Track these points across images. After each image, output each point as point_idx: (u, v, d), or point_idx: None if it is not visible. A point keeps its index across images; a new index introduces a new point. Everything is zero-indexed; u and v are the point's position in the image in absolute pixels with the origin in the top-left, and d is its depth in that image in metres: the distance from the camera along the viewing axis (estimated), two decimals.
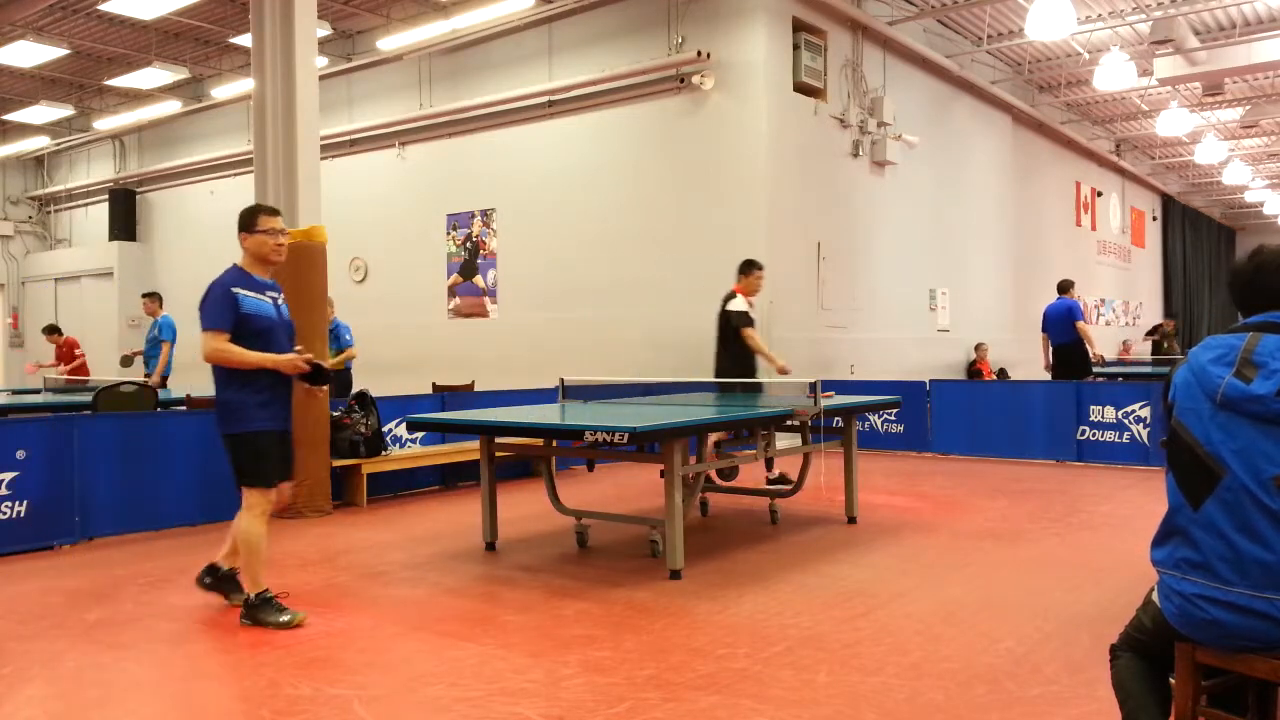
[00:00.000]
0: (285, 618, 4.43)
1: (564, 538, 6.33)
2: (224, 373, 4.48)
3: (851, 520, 6.79)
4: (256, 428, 4.50)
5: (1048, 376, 11.72)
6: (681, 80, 11.65)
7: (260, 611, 4.45)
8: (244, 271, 4.61)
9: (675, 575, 5.20)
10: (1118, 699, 2.52)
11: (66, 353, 13.60)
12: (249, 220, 4.65)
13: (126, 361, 12.22)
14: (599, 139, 12.50)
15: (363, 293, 14.85)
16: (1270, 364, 2.23)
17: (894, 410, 10.66)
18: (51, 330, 13.94)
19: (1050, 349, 11.76)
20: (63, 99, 17.54)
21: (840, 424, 6.69)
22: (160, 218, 18.92)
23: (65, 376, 12.82)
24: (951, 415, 10.61)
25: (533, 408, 7.22)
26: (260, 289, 4.59)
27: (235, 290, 4.46)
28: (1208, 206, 29.66)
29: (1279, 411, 2.18)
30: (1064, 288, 11.97)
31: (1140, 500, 7.66)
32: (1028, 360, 16.59)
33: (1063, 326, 11.54)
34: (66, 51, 14.73)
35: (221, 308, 4.40)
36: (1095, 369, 11.77)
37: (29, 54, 14.53)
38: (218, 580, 4.79)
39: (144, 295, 12.07)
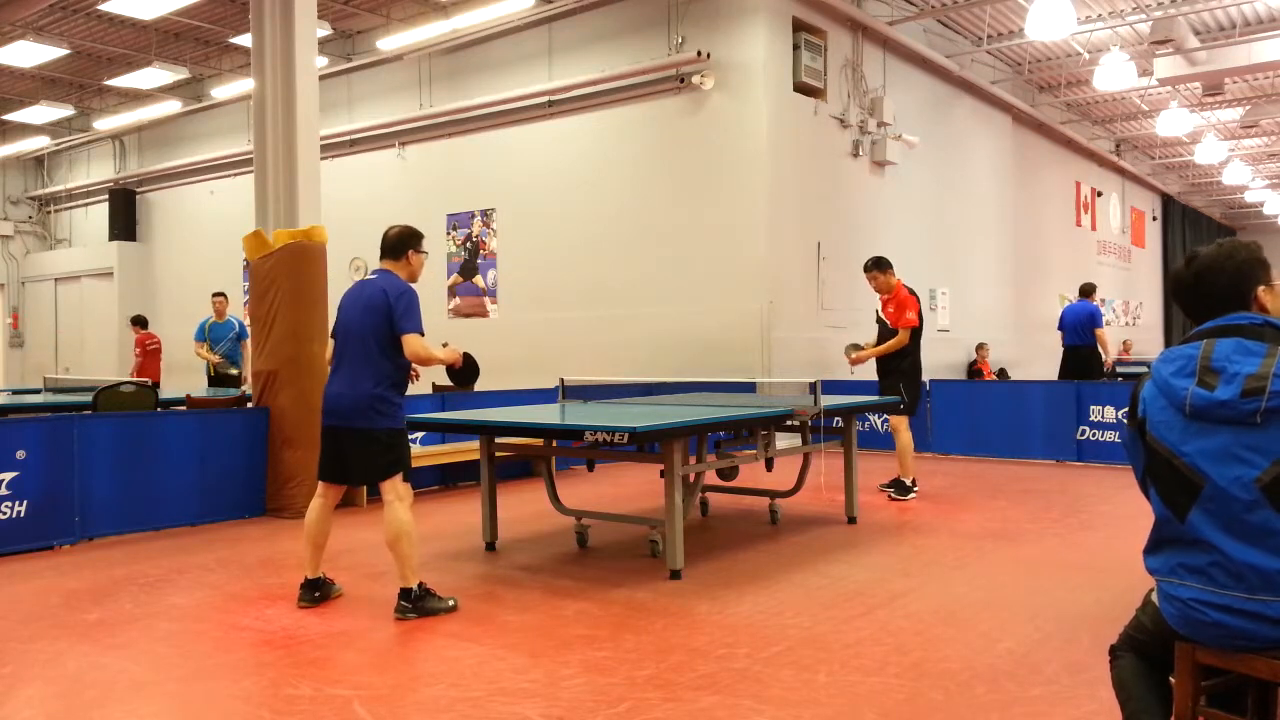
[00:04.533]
0: (451, 603, 4.64)
1: (564, 538, 6.33)
2: (385, 372, 4.62)
3: (851, 520, 6.79)
4: (403, 425, 4.74)
5: (1049, 376, 11.75)
6: (681, 80, 11.65)
7: (428, 602, 4.57)
8: None
9: (675, 575, 5.20)
10: (1119, 699, 2.52)
11: (140, 349, 13.25)
12: (417, 242, 4.91)
13: (226, 376, 11.48)
14: (599, 139, 12.50)
15: None
16: (1229, 368, 2.24)
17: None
18: (134, 322, 13.67)
19: (1065, 347, 11.88)
20: (63, 99, 17.54)
21: (840, 424, 6.69)
22: (160, 218, 18.92)
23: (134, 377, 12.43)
24: (951, 415, 10.61)
25: (533, 408, 7.22)
26: None
27: None
28: (1208, 206, 29.66)
29: (1248, 412, 2.19)
30: (1086, 291, 12.20)
31: (1140, 500, 7.62)
32: (1028, 360, 16.61)
33: (1081, 330, 11.69)
34: (66, 51, 14.72)
35: (419, 314, 4.67)
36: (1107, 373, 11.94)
37: (29, 54, 14.52)
38: (324, 590, 4.85)
39: (215, 295, 11.64)
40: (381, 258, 4.86)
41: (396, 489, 4.64)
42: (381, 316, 4.60)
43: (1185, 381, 2.30)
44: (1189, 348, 2.36)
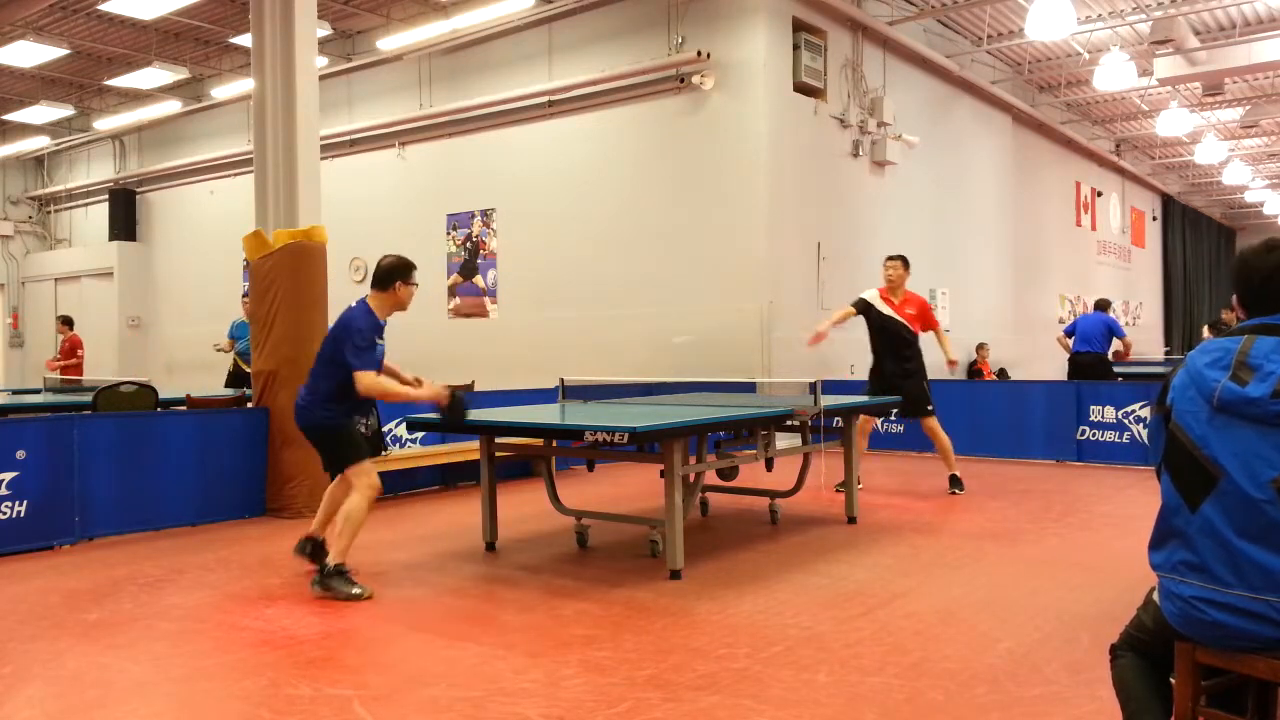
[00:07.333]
0: (357, 591, 4.80)
1: (564, 538, 6.33)
2: (327, 389, 4.94)
3: (851, 520, 6.79)
4: (340, 423, 5.02)
5: (1049, 376, 11.78)
6: (681, 80, 11.65)
7: (337, 580, 4.82)
8: (374, 315, 5.04)
9: (675, 575, 5.20)
10: (1119, 699, 2.52)
11: (68, 350, 13.58)
12: (406, 274, 5.14)
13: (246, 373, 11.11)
14: (599, 139, 12.50)
15: (362, 292, 14.83)
16: (1265, 366, 2.23)
17: (894, 410, 10.64)
18: (64, 321, 13.90)
19: (1072, 353, 11.94)
20: (63, 99, 17.54)
21: (840, 424, 6.69)
22: (160, 218, 18.92)
23: (60, 376, 12.76)
24: (951, 415, 10.56)
25: (533, 408, 7.22)
26: (381, 332, 5.09)
27: (376, 340, 4.99)
28: (1208, 206, 29.65)
29: (1276, 413, 2.18)
30: (1102, 305, 12.71)
31: (1140, 500, 7.66)
32: (1028, 360, 16.60)
33: (1092, 339, 12.00)
34: (66, 51, 14.72)
35: (369, 355, 4.89)
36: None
37: (29, 54, 14.52)
38: (315, 550, 5.24)
39: (245, 296, 11.27)
40: (371, 286, 5.09)
41: (357, 477, 4.93)
42: (331, 345, 4.96)
43: (1218, 374, 2.28)
44: (1229, 341, 2.33)
